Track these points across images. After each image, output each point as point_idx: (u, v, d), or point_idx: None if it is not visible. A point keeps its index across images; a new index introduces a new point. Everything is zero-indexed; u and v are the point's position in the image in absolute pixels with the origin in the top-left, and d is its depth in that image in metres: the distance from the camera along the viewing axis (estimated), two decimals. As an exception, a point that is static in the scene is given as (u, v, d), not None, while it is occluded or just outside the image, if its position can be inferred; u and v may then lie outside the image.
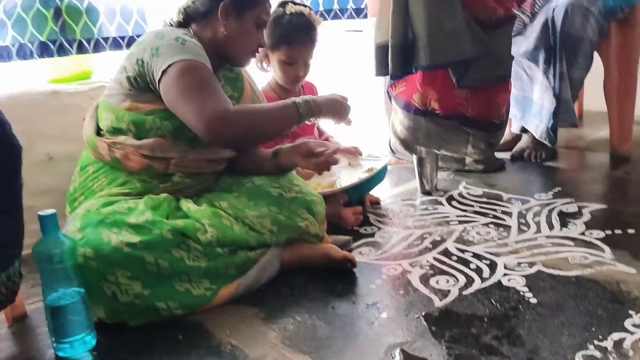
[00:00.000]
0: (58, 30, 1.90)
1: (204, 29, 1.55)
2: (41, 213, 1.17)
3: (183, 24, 1.59)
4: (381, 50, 2.12)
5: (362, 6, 2.70)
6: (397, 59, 2.07)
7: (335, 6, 2.62)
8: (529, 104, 2.31)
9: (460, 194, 1.99)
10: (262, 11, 1.55)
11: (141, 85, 1.46)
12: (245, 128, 1.43)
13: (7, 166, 1.18)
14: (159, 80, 1.41)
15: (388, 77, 2.23)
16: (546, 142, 2.18)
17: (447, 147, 2.24)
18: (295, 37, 1.86)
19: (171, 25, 1.62)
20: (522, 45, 2.19)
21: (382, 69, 2.15)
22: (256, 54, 1.61)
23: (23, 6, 1.84)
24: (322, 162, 1.52)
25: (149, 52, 1.43)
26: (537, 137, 2.23)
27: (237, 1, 1.52)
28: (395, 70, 2.09)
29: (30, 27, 1.86)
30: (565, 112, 2.11)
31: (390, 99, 2.35)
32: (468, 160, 2.22)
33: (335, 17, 2.63)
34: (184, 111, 1.41)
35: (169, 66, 1.39)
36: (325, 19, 2.54)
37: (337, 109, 1.58)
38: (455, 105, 2.16)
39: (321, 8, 2.56)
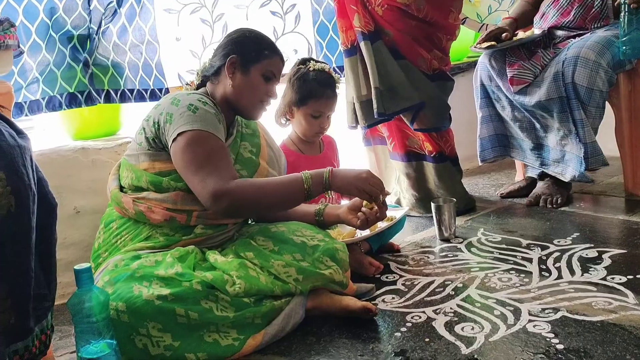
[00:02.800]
0: (87, 81, 2.00)
1: (217, 86, 1.64)
2: (77, 267, 1.21)
3: (201, 84, 1.68)
4: (362, 105, 2.35)
5: None
6: (365, 111, 2.33)
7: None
8: (546, 151, 2.35)
9: (479, 241, 2.01)
10: (269, 64, 1.63)
11: (159, 145, 1.54)
12: (245, 203, 1.47)
13: (45, 223, 1.22)
14: (170, 146, 1.49)
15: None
16: (583, 182, 2.25)
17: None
18: (323, 92, 1.95)
19: (188, 85, 1.71)
20: (534, 96, 2.25)
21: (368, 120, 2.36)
22: (266, 105, 1.67)
23: (55, 62, 1.94)
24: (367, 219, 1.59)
25: (164, 117, 1.51)
26: (566, 180, 2.28)
27: (243, 56, 1.61)
28: (366, 120, 2.33)
29: (60, 80, 1.96)
30: (594, 155, 2.17)
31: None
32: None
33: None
34: (189, 182, 1.49)
35: (178, 135, 1.47)
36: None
37: (359, 187, 1.51)
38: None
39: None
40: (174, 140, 1.48)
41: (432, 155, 2.39)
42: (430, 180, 2.41)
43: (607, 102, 2.21)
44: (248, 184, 1.49)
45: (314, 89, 1.95)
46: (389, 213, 1.95)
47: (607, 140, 2.31)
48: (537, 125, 2.34)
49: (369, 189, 1.52)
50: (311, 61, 2.02)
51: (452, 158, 2.43)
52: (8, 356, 1.10)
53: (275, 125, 2.09)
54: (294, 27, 2.48)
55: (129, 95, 2.09)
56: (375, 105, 2.25)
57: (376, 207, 1.59)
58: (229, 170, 1.49)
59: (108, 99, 2.07)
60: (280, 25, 2.44)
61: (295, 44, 2.50)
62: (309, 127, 1.98)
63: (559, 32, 2.36)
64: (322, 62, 2.04)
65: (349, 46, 2.34)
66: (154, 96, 2.13)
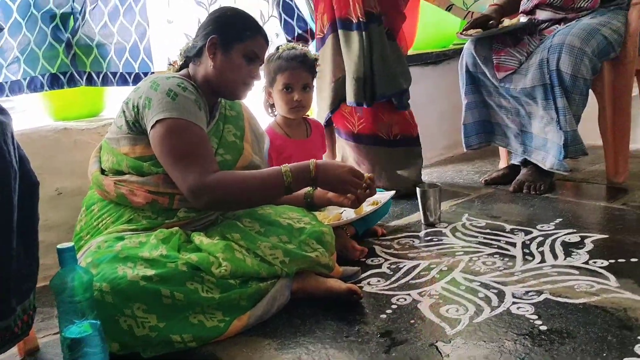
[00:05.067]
0: (69, 62, 1.95)
1: (198, 67, 1.61)
2: (60, 246, 1.19)
3: (183, 65, 1.65)
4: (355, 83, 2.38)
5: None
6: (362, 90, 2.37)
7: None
8: (530, 138, 2.37)
9: (463, 225, 2.02)
10: (251, 44, 1.59)
11: (138, 129, 1.51)
12: (226, 197, 1.46)
13: (26, 202, 1.20)
14: (149, 133, 1.47)
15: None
16: (560, 172, 2.25)
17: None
18: (288, 65, 1.94)
19: (171, 65, 1.68)
20: (519, 82, 2.26)
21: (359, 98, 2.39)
22: (250, 87, 1.64)
23: (36, 41, 1.89)
24: (357, 197, 1.59)
25: (143, 102, 1.48)
26: (546, 168, 2.29)
27: (223, 35, 1.57)
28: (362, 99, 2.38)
29: (42, 60, 1.91)
30: (574, 144, 2.18)
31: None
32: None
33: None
34: (169, 172, 1.47)
35: (157, 122, 1.44)
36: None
37: (340, 187, 1.56)
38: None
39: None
40: (152, 127, 1.45)
41: (397, 139, 2.46)
42: (389, 165, 2.48)
43: (590, 91, 2.23)
44: (228, 179, 1.46)
45: (279, 64, 1.95)
46: (374, 197, 1.95)
47: (589, 129, 2.33)
48: (522, 112, 2.35)
49: (352, 190, 1.56)
50: (283, 44, 2.02)
51: (417, 139, 2.51)
52: (-11, 336, 1.08)
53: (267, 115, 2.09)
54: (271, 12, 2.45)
55: (112, 78, 2.05)
56: (354, 94, 2.35)
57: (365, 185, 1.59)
58: (209, 163, 1.46)
59: (90, 82, 2.02)
60: (266, 8, 2.41)
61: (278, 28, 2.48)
62: (284, 103, 1.97)
63: (545, 14, 2.36)
64: (296, 44, 2.03)
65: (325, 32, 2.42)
66: (137, 80, 2.09)
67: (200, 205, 1.48)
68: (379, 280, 1.63)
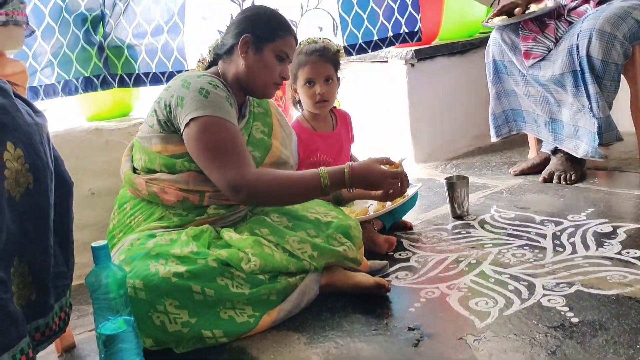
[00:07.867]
0: (101, 65, 1.99)
1: (229, 65, 1.62)
2: (94, 244, 1.22)
3: (213, 62, 1.67)
4: None
5: (416, 29, 2.79)
6: None
7: (389, 34, 2.73)
8: (560, 126, 2.33)
9: (492, 217, 2.00)
10: (282, 44, 1.60)
11: (170, 128, 1.53)
12: (264, 194, 1.46)
13: (61, 201, 1.24)
14: (182, 131, 1.48)
15: None
16: (595, 159, 2.20)
17: None
18: (308, 60, 1.94)
19: (200, 62, 1.70)
20: (547, 70, 2.22)
21: None
22: (279, 86, 1.65)
23: (68, 45, 1.93)
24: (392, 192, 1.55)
25: (175, 101, 1.49)
26: (579, 156, 2.25)
27: (256, 35, 1.58)
28: None
29: (75, 64, 1.95)
30: (608, 130, 2.13)
31: None
32: None
33: (390, 44, 2.75)
34: (206, 169, 1.48)
35: (190, 120, 1.46)
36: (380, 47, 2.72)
37: (377, 184, 1.51)
38: None
39: (375, 37, 2.68)
40: (186, 125, 1.47)
41: None
42: None
43: (622, 76, 2.18)
44: (268, 177, 1.47)
45: (300, 59, 1.95)
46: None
47: (621, 115, 2.27)
48: (551, 100, 2.31)
49: (390, 188, 1.52)
50: (304, 39, 2.02)
51: None
52: (29, 332, 1.12)
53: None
54: (317, 4, 2.45)
55: (144, 79, 2.08)
56: None
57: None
58: (246, 159, 1.47)
59: (122, 83, 2.06)
60: (306, 1, 2.43)
61: (320, 21, 2.49)
62: (307, 97, 1.97)
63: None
64: (319, 38, 2.03)
65: None
66: (170, 79, 2.11)
67: (238, 200, 1.49)
68: (407, 274, 1.63)
